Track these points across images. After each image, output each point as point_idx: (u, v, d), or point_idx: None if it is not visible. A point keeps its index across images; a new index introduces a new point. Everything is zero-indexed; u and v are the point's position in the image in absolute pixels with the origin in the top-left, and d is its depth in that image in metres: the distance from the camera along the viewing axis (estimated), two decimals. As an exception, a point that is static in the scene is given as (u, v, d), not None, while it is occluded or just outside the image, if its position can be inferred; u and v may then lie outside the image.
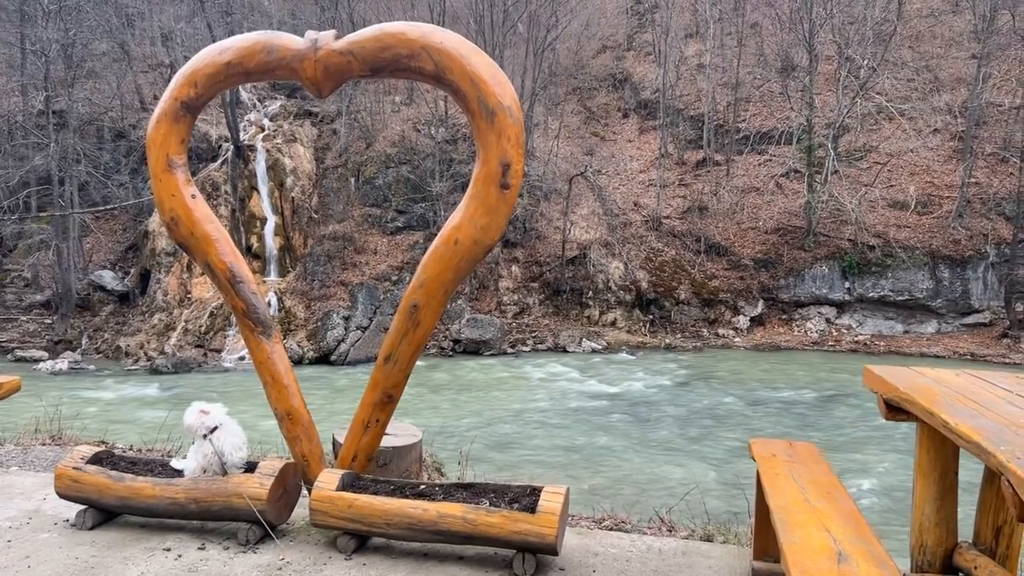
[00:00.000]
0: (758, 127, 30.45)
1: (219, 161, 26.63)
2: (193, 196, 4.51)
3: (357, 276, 24.28)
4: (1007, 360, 21.93)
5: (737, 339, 24.83)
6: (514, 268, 26.43)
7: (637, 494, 10.07)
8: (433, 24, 4.29)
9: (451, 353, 23.03)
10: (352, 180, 27.33)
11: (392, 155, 27.46)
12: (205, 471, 4.13)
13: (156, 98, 26.40)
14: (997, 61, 28.47)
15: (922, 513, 3.26)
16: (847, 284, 25.60)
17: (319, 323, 22.60)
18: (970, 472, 3.35)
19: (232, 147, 26.41)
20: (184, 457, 4.34)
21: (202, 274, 23.06)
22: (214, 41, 4.55)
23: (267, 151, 26.75)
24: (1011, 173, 25.79)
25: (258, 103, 30.77)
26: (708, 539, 4.42)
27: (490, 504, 3.73)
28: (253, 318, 4.52)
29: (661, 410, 16.45)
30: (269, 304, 20.76)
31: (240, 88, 29.09)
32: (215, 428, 4.12)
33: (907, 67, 29.92)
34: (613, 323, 25.54)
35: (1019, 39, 26.13)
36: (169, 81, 4.51)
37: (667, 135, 30.79)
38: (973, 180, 25.93)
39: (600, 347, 23.87)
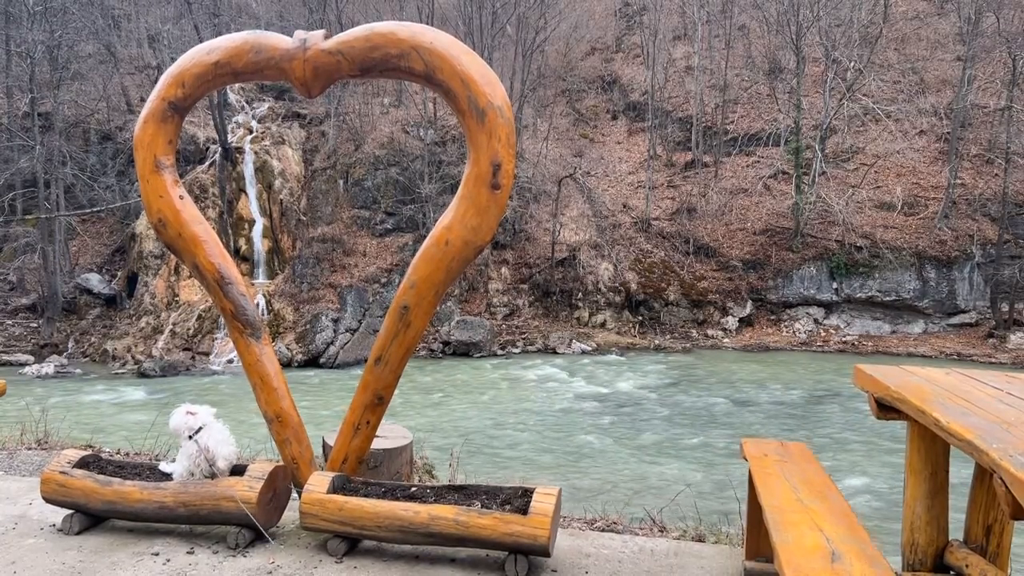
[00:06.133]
0: (746, 129, 30.60)
1: (207, 163, 26.50)
2: (181, 197, 4.48)
3: (346, 278, 24.20)
4: (993, 360, 22.11)
5: (726, 340, 24.91)
6: (504, 270, 26.42)
7: (628, 495, 10.06)
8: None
9: (441, 355, 23.00)
10: (341, 182, 27.25)
11: (381, 157, 27.40)
12: (192, 473, 4.09)
13: (143, 100, 26.23)
14: (982, 63, 28.72)
15: (913, 512, 3.26)
16: (835, 285, 25.74)
17: (308, 325, 22.51)
18: (960, 471, 3.36)
19: (220, 149, 26.28)
20: (173, 460, 4.30)
21: (190, 277, 22.92)
22: (201, 43, 4.51)
23: (255, 153, 26.64)
24: (996, 174, 26.01)
25: (246, 105, 30.65)
26: (700, 539, 4.41)
27: (482, 506, 3.71)
28: (242, 320, 4.49)
29: (651, 411, 16.48)
30: (257, 307, 20.66)
31: (228, 90, 28.97)
32: (199, 428, 4.09)
33: (893, 69, 30.15)
34: (602, 324, 25.57)
35: (1003, 41, 26.37)
36: (156, 82, 4.48)
37: (656, 137, 30.88)
38: (959, 181, 26.14)
39: (590, 348, 23.89)
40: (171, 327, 22.55)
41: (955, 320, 25.14)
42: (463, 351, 23.04)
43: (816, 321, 25.80)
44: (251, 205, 26.01)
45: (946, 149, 27.29)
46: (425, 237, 4.11)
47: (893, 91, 29.32)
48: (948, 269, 25.10)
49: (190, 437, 4.07)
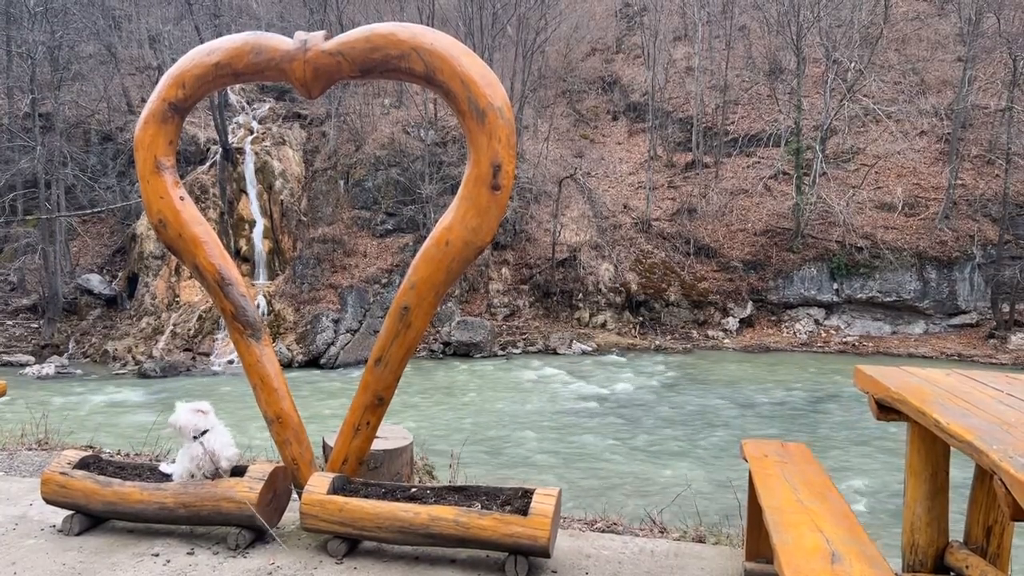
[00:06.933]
0: (746, 130, 30.59)
1: (207, 164, 26.51)
2: (181, 198, 4.48)
3: (347, 279, 24.20)
4: (994, 360, 22.09)
5: (727, 341, 24.90)
6: (504, 270, 26.42)
7: (629, 495, 10.06)
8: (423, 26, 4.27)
9: (441, 356, 23.00)
10: (341, 183, 27.25)
11: (381, 157, 27.41)
12: (193, 476, 4.09)
13: (143, 101, 26.25)
14: (982, 64, 28.71)
15: (913, 513, 3.26)
16: (835, 285, 25.73)
17: (308, 326, 22.51)
18: (960, 472, 3.35)
19: (220, 150, 26.29)
20: (173, 461, 4.30)
21: (190, 277, 22.93)
22: (202, 44, 4.52)
23: (256, 154, 26.64)
24: (996, 175, 26.01)
25: (247, 105, 30.66)
26: (700, 540, 4.41)
27: (482, 507, 3.71)
28: (242, 320, 4.49)
29: (651, 412, 16.47)
30: (258, 307, 20.68)
31: (228, 90, 28.98)
32: (205, 431, 4.08)
33: (894, 70, 30.14)
34: (603, 325, 25.56)
35: (1004, 42, 26.35)
36: (157, 83, 4.48)
37: (656, 137, 30.87)
38: (959, 182, 26.13)
39: (590, 349, 23.88)
40: (171, 328, 22.55)
41: (956, 321, 25.13)
42: (463, 352, 23.04)
43: (817, 322, 25.79)
44: (251, 206, 26.01)
45: (947, 150, 27.28)
46: (425, 238, 4.11)
47: (894, 92, 29.31)
48: (949, 270, 25.08)
49: (195, 438, 4.07)
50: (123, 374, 20.78)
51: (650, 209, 28.11)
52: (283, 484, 4.21)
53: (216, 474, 4.08)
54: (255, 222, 25.77)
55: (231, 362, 21.05)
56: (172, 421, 4.11)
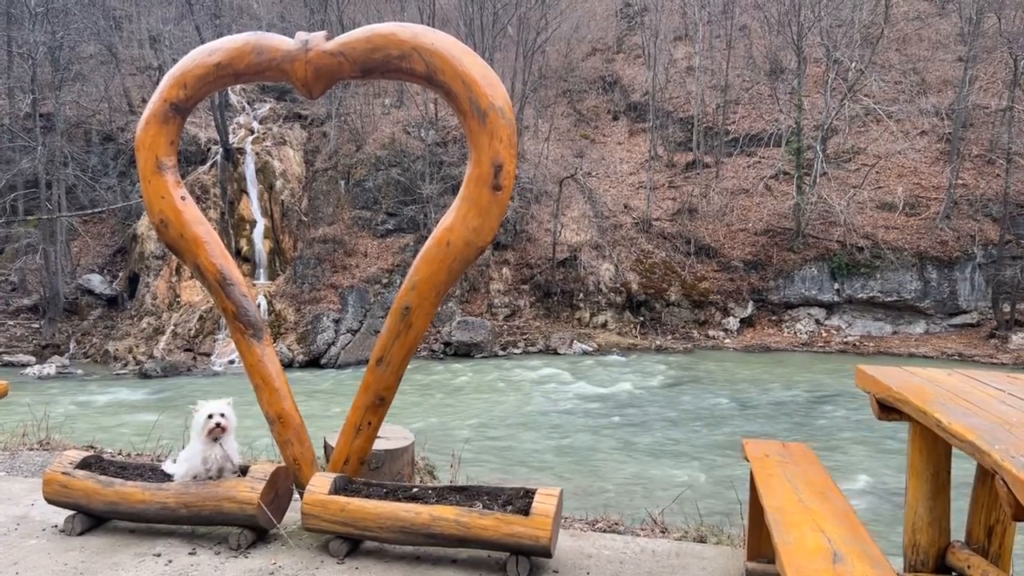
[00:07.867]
0: (747, 129, 30.58)
1: (208, 164, 26.51)
2: (183, 198, 4.48)
3: (347, 279, 24.20)
4: (995, 360, 22.07)
5: (727, 340, 24.90)
6: (505, 270, 26.42)
7: (630, 496, 10.06)
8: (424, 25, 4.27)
9: (442, 356, 22.99)
10: (342, 183, 27.25)
11: (382, 157, 27.41)
12: (196, 476, 4.09)
13: (144, 101, 26.26)
14: (983, 64, 28.70)
15: (915, 512, 3.26)
16: (836, 285, 25.72)
17: (309, 326, 22.52)
18: (962, 472, 3.35)
19: (221, 150, 26.30)
20: (175, 461, 4.30)
21: (191, 277, 22.94)
22: (203, 44, 4.52)
23: (256, 154, 26.65)
24: (997, 175, 26.00)
25: (247, 106, 30.66)
26: (702, 540, 4.41)
27: (483, 507, 3.71)
28: (243, 320, 4.49)
29: (652, 411, 16.47)
30: (259, 307, 20.64)
31: (229, 91, 28.99)
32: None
33: (894, 69, 30.13)
34: (604, 325, 25.56)
35: (1005, 42, 26.34)
36: (158, 83, 4.48)
37: (657, 137, 30.86)
38: (960, 182, 26.12)
39: (591, 349, 23.88)
40: (172, 328, 22.56)
41: (957, 320, 25.11)
42: (464, 352, 23.03)
43: (817, 322, 25.78)
44: (252, 206, 26.02)
45: (947, 149, 27.27)
46: (426, 238, 4.12)
47: (894, 91, 29.30)
48: (949, 269, 25.07)
49: (216, 439, 4.07)
50: (124, 374, 20.78)
51: (651, 209, 28.10)
52: (285, 484, 4.21)
53: (221, 475, 4.09)
54: (256, 222, 25.79)
55: (232, 362, 21.06)
56: (228, 416, 4.10)
